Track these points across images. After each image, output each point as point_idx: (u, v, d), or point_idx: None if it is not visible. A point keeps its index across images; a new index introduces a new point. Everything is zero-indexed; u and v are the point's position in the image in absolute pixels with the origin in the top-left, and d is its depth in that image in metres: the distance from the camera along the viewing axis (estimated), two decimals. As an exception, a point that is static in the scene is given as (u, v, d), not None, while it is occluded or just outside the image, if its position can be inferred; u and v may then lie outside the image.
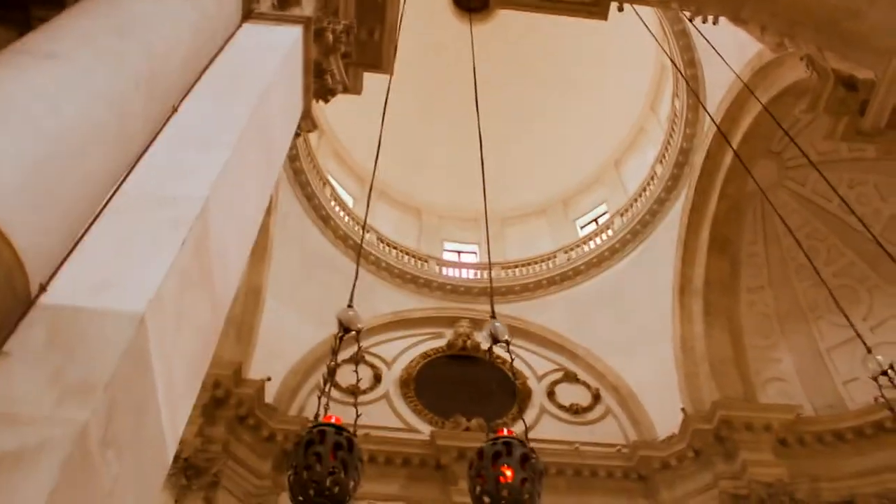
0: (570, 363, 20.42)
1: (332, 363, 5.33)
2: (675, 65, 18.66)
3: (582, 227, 23.86)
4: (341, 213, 21.09)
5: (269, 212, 18.36)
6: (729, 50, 16.42)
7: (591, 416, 19.50)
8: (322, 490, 4.33)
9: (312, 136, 21.54)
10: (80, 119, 2.83)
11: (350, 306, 5.97)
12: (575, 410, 19.50)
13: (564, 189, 25.11)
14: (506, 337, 5.60)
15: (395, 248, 22.24)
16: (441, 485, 17.03)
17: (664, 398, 18.50)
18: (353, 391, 17.77)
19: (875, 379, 6.74)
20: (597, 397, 19.78)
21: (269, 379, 16.79)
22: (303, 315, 18.66)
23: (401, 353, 20.17)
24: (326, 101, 6.80)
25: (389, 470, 17.16)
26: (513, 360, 6.09)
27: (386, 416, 18.58)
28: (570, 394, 19.85)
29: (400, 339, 20.46)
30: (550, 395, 19.75)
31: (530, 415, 18.84)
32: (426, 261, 22.54)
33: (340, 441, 4.52)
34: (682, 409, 17.51)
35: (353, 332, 5.69)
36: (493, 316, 5.77)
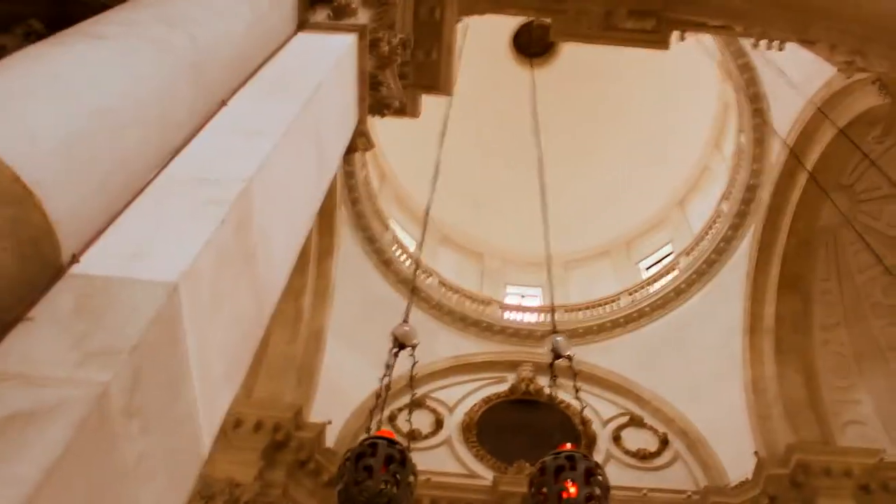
0: (636, 407, 19.86)
1: (387, 378, 5.19)
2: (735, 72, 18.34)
3: (646, 269, 23.41)
4: (402, 257, 21.07)
5: (329, 254, 18.50)
6: (795, 83, 16.18)
7: (659, 461, 18.85)
8: (372, 502, 4.16)
9: (374, 180, 21.71)
10: (123, 98, 2.78)
11: (405, 321, 5.85)
12: (642, 456, 18.89)
13: (628, 231, 24.77)
14: (569, 352, 5.37)
15: (456, 291, 22.08)
16: (504, 532, 16.62)
17: (735, 442, 17.80)
18: (413, 436, 17.60)
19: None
20: (665, 442, 19.15)
21: (329, 422, 16.63)
22: (364, 358, 18.46)
23: (462, 399, 19.88)
24: (382, 115, 6.71)
25: (452, 517, 16.83)
26: (578, 390, 5.78)
27: (447, 461, 18.27)
28: (637, 439, 19.26)
29: (461, 383, 20.18)
30: (616, 440, 19.20)
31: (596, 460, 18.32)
32: (488, 304, 22.33)
33: (393, 454, 4.35)
34: (756, 454, 16.80)
35: (409, 348, 5.55)
36: (555, 330, 5.54)
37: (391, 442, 4.49)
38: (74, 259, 2.32)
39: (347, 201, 19.40)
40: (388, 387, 5.10)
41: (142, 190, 2.77)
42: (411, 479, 4.42)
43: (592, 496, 4.25)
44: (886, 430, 17.10)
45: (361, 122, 5.67)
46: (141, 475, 2.14)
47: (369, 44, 5.28)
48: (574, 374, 5.67)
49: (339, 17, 5.16)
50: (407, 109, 7.36)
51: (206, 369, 2.56)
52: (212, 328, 2.60)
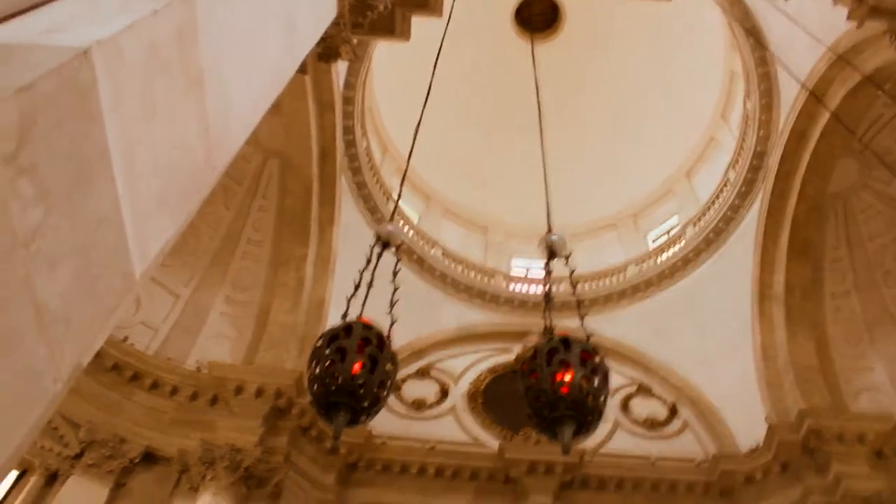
0: (645, 377, 19.57)
1: (367, 273, 4.93)
2: (746, 35, 17.94)
3: (653, 241, 23.10)
4: (406, 228, 20.83)
5: (331, 224, 18.29)
6: (803, 44, 15.75)
7: (668, 430, 18.56)
8: (346, 387, 3.90)
9: (375, 153, 21.47)
10: None
11: (390, 221, 5.61)
12: (651, 424, 18.61)
13: (634, 203, 24.47)
14: (566, 252, 5.06)
15: (461, 263, 21.83)
16: (511, 498, 16.38)
17: (745, 410, 17.49)
18: (418, 405, 17.42)
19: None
20: (673, 411, 18.86)
21: (331, 389, 16.41)
22: (366, 328, 18.33)
23: (468, 368, 19.65)
24: (365, 17, 6.40)
25: (457, 484, 16.59)
26: (583, 317, 5.42)
27: (453, 430, 18.03)
28: (646, 408, 18.96)
29: (467, 353, 19.96)
30: (625, 409, 18.92)
31: (603, 429, 17.99)
32: (493, 275, 22.08)
33: (369, 336, 4.08)
34: (767, 420, 16.49)
35: (392, 248, 5.28)
36: (550, 231, 5.20)
37: (367, 326, 4.20)
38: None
39: (348, 171, 19.16)
40: (370, 284, 4.83)
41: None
42: (389, 366, 4.11)
43: (587, 378, 3.94)
44: (898, 397, 16.77)
45: (341, 18, 5.39)
46: (37, 256, 1.87)
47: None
48: (578, 302, 5.36)
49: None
50: (396, 30, 7.07)
51: (132, 175, 2.30)
52: (139, 133, 2.34)
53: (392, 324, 4.66)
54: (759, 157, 18.58)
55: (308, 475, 15.78)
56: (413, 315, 17.81)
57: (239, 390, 15.26)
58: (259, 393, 15.24)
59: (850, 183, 17.54)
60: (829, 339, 17.74)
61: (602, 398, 4.03)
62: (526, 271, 23.24)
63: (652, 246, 22.64)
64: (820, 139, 16.80)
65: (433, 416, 18.36)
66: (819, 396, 16.74)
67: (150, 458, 14.79)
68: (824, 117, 16.48)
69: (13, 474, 14.05)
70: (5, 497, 13.85)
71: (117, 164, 2.20)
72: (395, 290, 4.95)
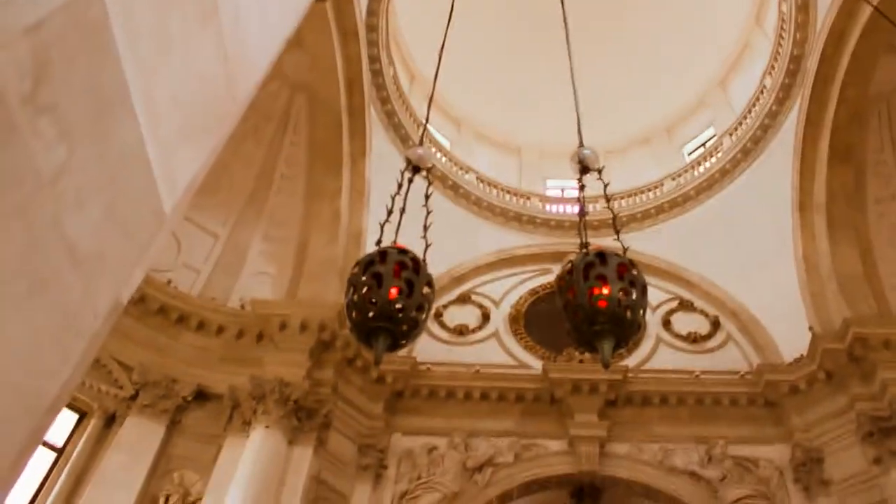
0: (686, 291, 19.50)
1: (399, 198, 4.90)
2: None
3: (689, 154, 22.73)
4: (438, 155, 20.71)
5: (363, 155, 18.26)
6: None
7: (710, 343, 18.56)
8: (384, 312, 3.92)
9: (403, 81, 21.27)
10: None
11: (420, 144, 5.56)
12: (693, 339, 18.62)
13: (668, 116, 24.06)
14: (598, 165, 4.97)
15: (496, 186, 21.73)
16: (557, 418, 16.56)
17: (789, 321, 17.37)
18: (460, 331, 17.52)
19: None
20: (716, 324, 18.83)
21: (374, 318, 16.59)
22: (404, 257, 18.42)
23: (508, 292, 19.74)
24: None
25: (503, 406, 16.81)
26: (618, 231, 5.32)
27: (496, 353, 18.21)
28: (688, 322, 18.95)
29: (506, 277, 20.03)
30: (666, 324, 18.92)
31: (646, 346, 18.10)
32: (529, 198, 21.96)
33: (405, 261, 4.08)
34: (811, 329, 16.38)
35: (423, 172, 5.24)
36: (581, 146, 5.10)
37: (402, 251, 4.19)
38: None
39: (377, 101, 19.02)
40: (402, 209, 4.81)
41: None
42: (426, 289, 4.11)
43: (627, 293, 3.90)
44: (947, 303, 16.48)
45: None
46: (63, 195, 1.87)
47: None
48: (613, 216, 5.28)
49: None
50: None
51: (153, 109, 2.28)
52: (157, 67, 2.31)
53: (427, 247, 4.64)
54: (797, 60, 18.06)
55: (356, 405, 16.08)
56: (450, 242, 17.86)
57: (283, 326, 15.48)
58: (303, 327, 15.44)
59: (894, 83, 16.96)
60: (874, 245, 17.40)
61: (640, 311, 4.00)
62: (561, 191, 23.11)
63: (688, 159, 22.29)
64: (860, 38, 16.19)
65: (476, 341, 18.54)
66: (864, 304, 16.53)
67: (202, 396, 15.16)
68: (864, 14, 15.83)
69: (73, 417, 14.54)
70: (68, 439, 14.36)
71: (137, 98, 2.18)
72: (428, 213, 4.93)
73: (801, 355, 16.46)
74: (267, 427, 14.24)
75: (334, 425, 15.42)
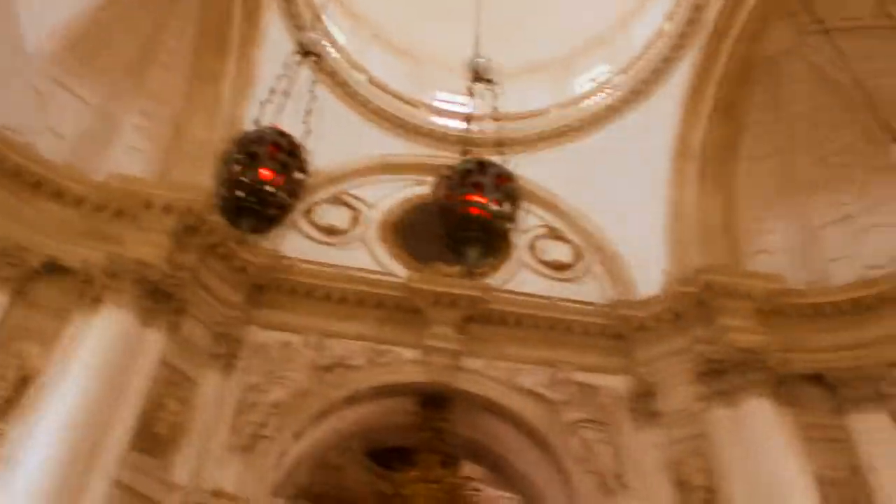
0: (557, 220, 19.83)
1: (284, 81, 4.65)
2: None
3: (581, 87, 22.81)
4: (331, 50, 19.99)
5: (254, 42, 17.55)
6: None
7: (571, 274, 19.05)
8: (254, 191, 3.72)
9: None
10: None
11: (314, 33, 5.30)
12: (556, 267, 19.08)
13: (566, 48, 23.86)
14: (490, 76, 4.88)
15: (385, 90, 21.24)
16: (415, 328, 16.71)
17: (650, 262, 18.04)
18: (329, 231, 17.29)
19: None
20: (579, 255, 19.33)
21: (241, 206, 16.13)
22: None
23: (383, 198, 19.54)
24: None
25: (362, 311, 16.84)
26: (502, 153, 5.26)
27: (364, 258, 18.09)
28: (553, 250, 19.36)
29: (384, 183, 19.83)
30: (532, 249, 19.26)
31: (510, 267, 18.35)
32: (417, 107, 21.62)
33: (281, 143, 3.87)
34: (665, 271, 17.11)
35: (312, 58, 5.00)
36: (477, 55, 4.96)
37: (281, 133, 3.98)
38: None
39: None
40: (287, 93, 4.59)
41: None
42: (300, 175, 3.92)
43: (500, 203, 3.85)
44: (791, 260, 17.44)
45: None
46: None
47: None
48: (495, 120, 5.18)
49: None
50: None
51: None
52: None
53: (307, 134, 4.44)
54: (698, 10, 18.21)
55: (216, 293, 15.75)
56: (332, 139, 17.39)
57: (148, 205, 14.92)
58: (168, 209, 14.90)
59: (784, 47, 17.41)
60: (738, 199, 18.19)
61: (511, 223, 3.96)
62: (450, 105, 22.75)
63: (578, 91, 22.38)
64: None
65: (344, 244, 18.35)
66: (719, 255, 17.39)
67: (54, 268, 14.42)
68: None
69: None
70: None
71: None
72: (312, 99, 4.72)
73: (656, 295, 17.18)
74: (119, 305, 13.77)
75: (191, 311, 15.10)
